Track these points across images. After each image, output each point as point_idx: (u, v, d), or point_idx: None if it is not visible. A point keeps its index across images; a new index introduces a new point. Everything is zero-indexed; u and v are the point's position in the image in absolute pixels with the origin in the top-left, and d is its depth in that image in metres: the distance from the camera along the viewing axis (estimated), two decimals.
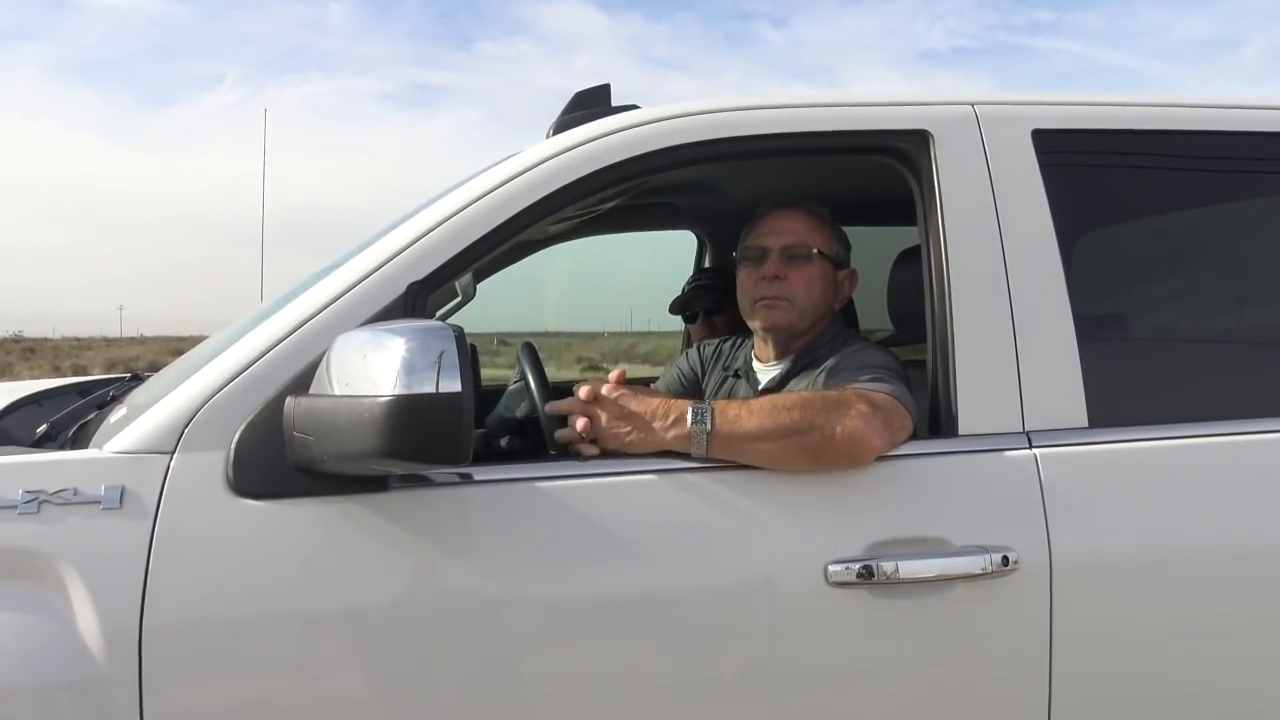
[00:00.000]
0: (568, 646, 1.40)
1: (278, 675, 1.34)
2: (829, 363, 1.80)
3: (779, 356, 1.94)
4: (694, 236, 3.27)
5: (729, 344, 2.20)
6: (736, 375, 2.04)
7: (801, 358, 1.90)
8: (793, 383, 1.87)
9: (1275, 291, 1.82)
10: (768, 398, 1.61)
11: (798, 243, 1.88)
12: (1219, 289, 1.85)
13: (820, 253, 1.89)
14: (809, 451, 1.48)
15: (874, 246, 2.40)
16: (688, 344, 3.35)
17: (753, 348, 2.04)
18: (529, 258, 2.79)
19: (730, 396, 1.99)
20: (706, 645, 1.43)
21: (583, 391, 1.57)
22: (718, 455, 1.49)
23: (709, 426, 1.48)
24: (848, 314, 2.22)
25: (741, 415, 1.49)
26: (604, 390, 1.57)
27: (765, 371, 1.97)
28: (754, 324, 1.94)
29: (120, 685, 1.28)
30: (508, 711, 1.39)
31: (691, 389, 2.15)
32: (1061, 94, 1.75)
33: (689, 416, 1.49)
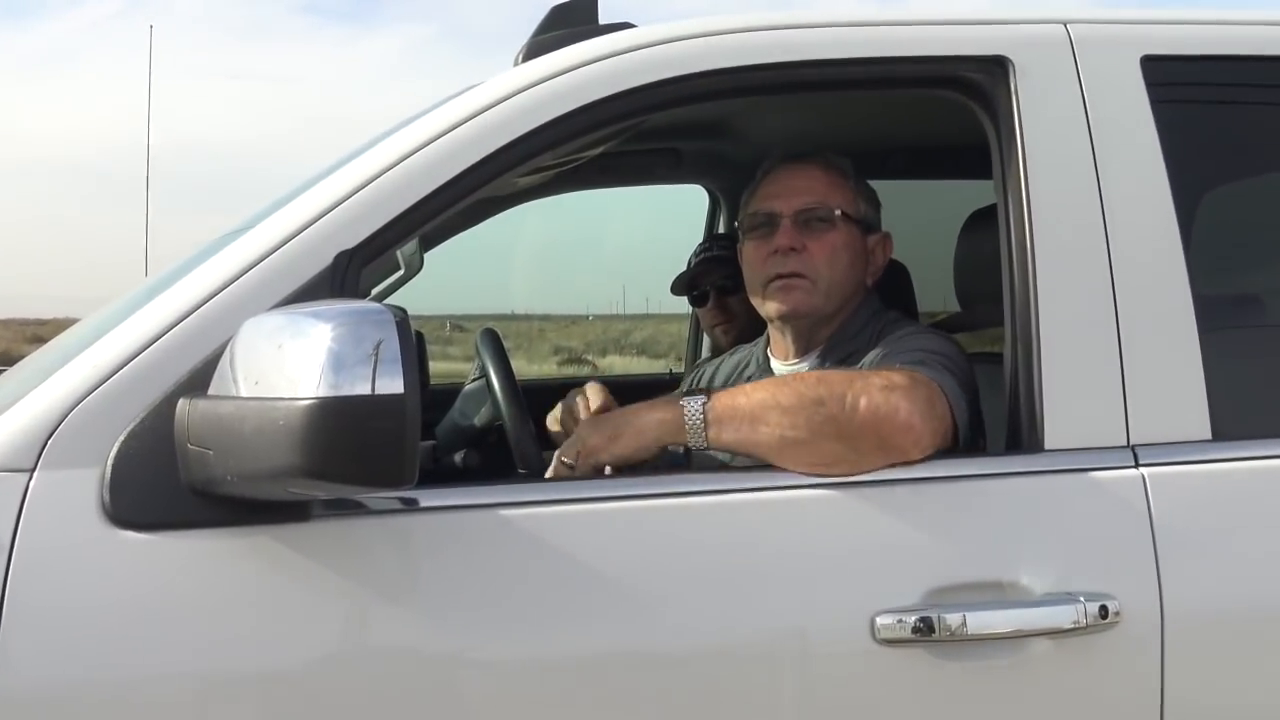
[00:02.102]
0: (534, 719, 1.41)
1: None
2: (870, 355, 1.81)
3: (803, 351, 1.95)
4: (705, 192, 3.28)
5: (733, 358, 2.20)
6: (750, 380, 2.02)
7: (832, 350, 1.91)
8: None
9: None
10: (773, 378, 1.63)
11: (816, 204, 1.89)
12: None
13: (845, 214, 1.90)
14: (828, 427, 1.50)
15: (938, 207, 2.41)
16: (696, 333, 3.36)
17: (768, 344, 2.05)
18: (492, 220, 2.81)
19: None
20: (713, 719, 1.44)
21: (593, 400, 1.67)
22: (718, 441, 1.55)
23: (705, 400, 1.56)
24: (896, 294, 2.23)
25: (745, 390, 1.59)
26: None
27: (785, 370, 1.97)
28: (768, 311, 1.94)
29: None
30: None
31: None
32: (1181, 9, 1.76)
33: (683, 400, 1.58)
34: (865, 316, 1.94)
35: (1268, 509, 1.56)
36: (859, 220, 1.93)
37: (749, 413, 1.54)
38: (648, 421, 1.60)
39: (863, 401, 1.51)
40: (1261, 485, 1.56)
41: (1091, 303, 1.58)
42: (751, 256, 1.93)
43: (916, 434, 1.51)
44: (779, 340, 2.00)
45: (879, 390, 1.53)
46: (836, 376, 1.61)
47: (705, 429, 1.55)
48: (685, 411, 1.56)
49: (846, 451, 1.51)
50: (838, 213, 1.89)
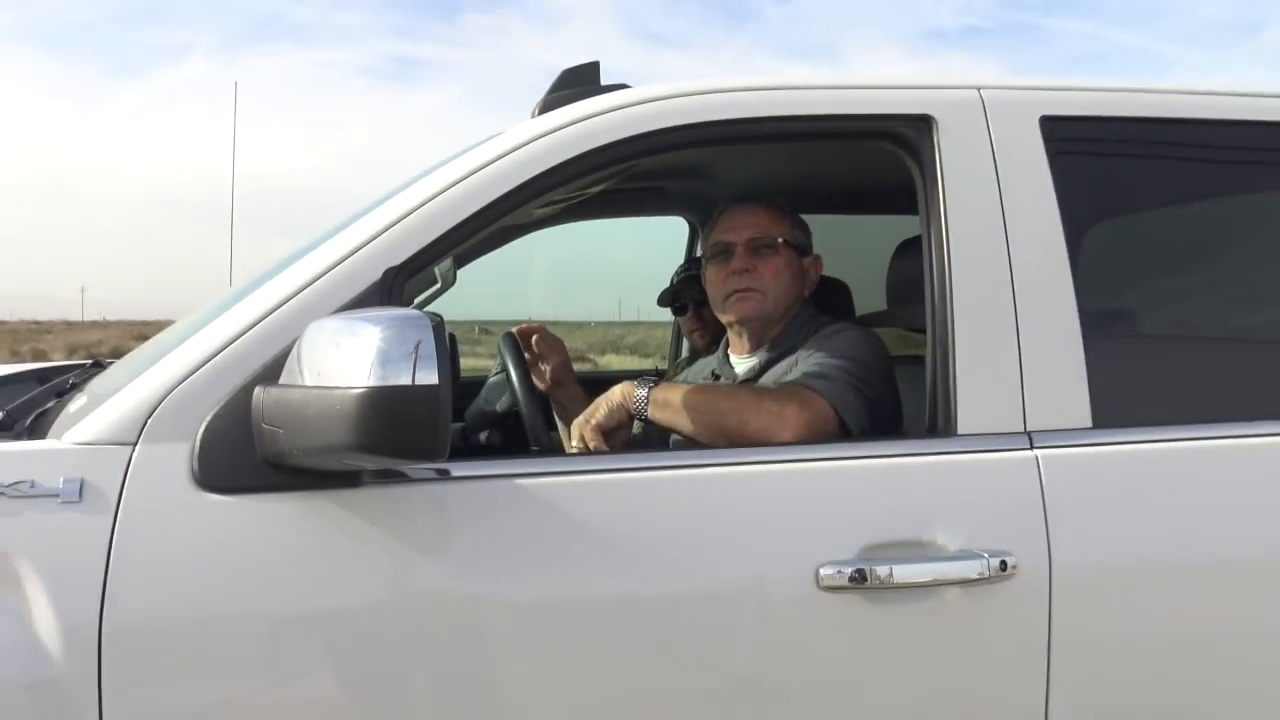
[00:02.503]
0: (548, 650, 1.41)
1: (243, 678, 1.35)
2: (802, 351, 1.89)
3: (754, 348, 2.02)
4: (686, 223, 3.27)
5: (702, 360, 2.27)
6: (715, 375, 2.09)
7: (776, 346, 1.98)
8: (770, 372, 1.93)
9: None
10: (707, 385, 1.79)
11: (762, 234, 1.97)
12: (1230, 285, 1.86)
13: (785, 241, 1.99)
14: (722, 432, 1.70)
15: (875, 236, 2.41)
16: (678, 337, 3.36)
17: (727, 344, 2.11)
18: (512, 243, 2.80)
19: None
20: (693, 650, 1.44)
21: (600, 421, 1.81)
22: (655, 417, 1.78)
23: (653, 386, 1.79)
24: (839, 306, 2.24)
25: (682, 387, 1.80)
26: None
27: (742, 363, 2.03)
28: (728, 319, 2.03)
29: (79, 686, 1.28)
30: (485, 717, 1.40)
31: None
32: (1071, 79, 1.76)
33: (639, 383, 1.81)
34: (803, 320, 2.01)
35: (1136, 483, 1.56)
36: (796, 246, 2.02)
37: (677, 403, 1.76)
38: (614, 394, 1.82)
39: (752, 423, 1.67)
40: (1132, 464, 1.56)
41: (996, 315, 1.58)
42: (713, 277, 2.01)
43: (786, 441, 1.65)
44: (736, 340, 2.06)
45: (769, 415, 1.68)
46: (745, 396, 1.77)
47: (647, 406, 1.78)
48: (637, 392, 1.79)
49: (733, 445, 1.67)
50: (780, 240, 1.98)
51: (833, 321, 2.01)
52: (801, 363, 1.84)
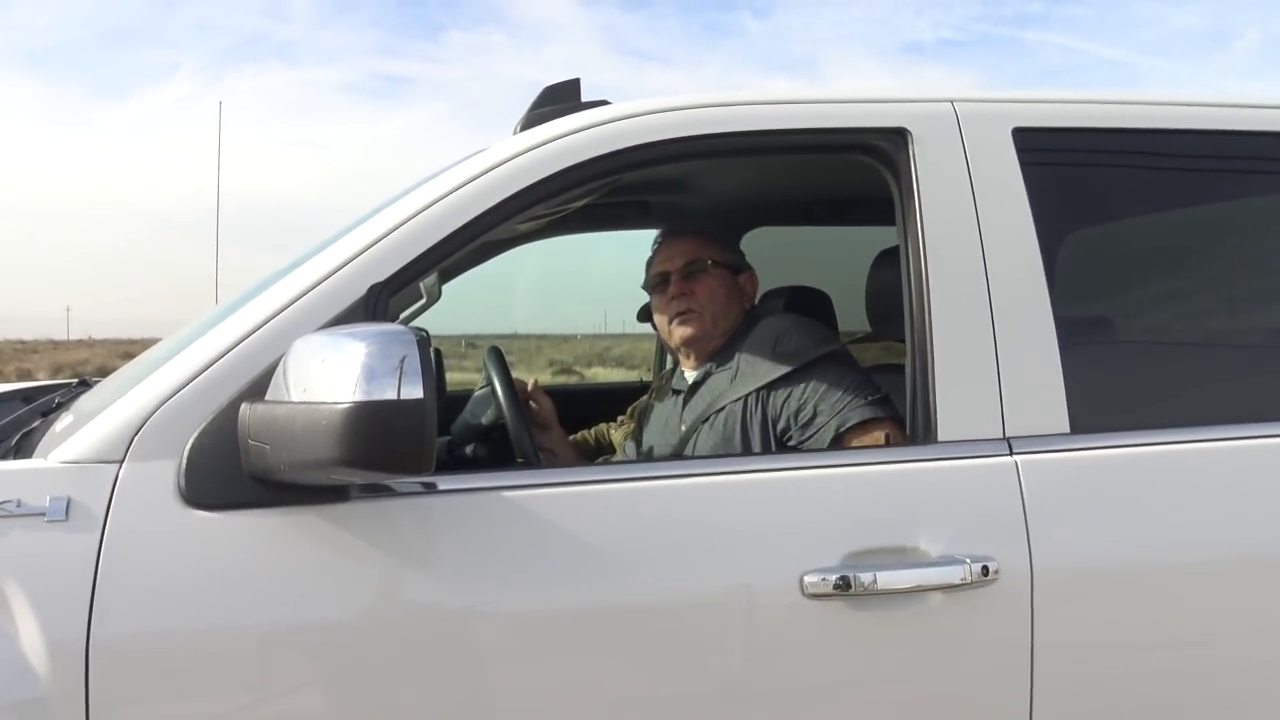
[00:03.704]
0: (536, 661, 1.41)
1: (232, 693, 1.34)
2: (742, 355, 1.99)
3: (700, 363, 2.11)
4: None
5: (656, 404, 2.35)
6: (674, 392, 2.16)
7: (717, 357, 2.08)
8: (710, 380, 2.03)
9: (1260, 294, 1.86)
10: None
11: (693, 259, 2.10)
12: (1203, 292, 1.88)
13: (715, 262, 2.10)
14: None
15: (853, 247, 2.42)
16: (661, 350, 3.36)
17: (677, 362, 2.22)
18: (499, 258, 2.80)
19: (656, 408, 2.20)
20: (680, 658, 1.44)
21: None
22: None
23: None
24: (819, 317, 2.26)
25: None
26: None
27: (690, 375, 2.11)
28: (674, 342, 2.13)
29: (66, 704, 1.28)
30: None
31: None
32: (1043, 91, 1.77)
33: None
34: (741, 331, 2.08)
35: (1115, 487, 1.57)
36: (727, 265, 2.12)
37: None
38: None
39: None
40: (1109, 468, 1.57)
41: (974, 324, 1.59)
42: (658, 305, 2.16)
43: None
44: (685, 361, 2.15)
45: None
46: None
47: None
48: None
49: None
50: (709, 262, 2.10)
51: (761, 331, 2.05)
52: (793, 392, 1.89)
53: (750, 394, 1.91)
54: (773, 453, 1.85)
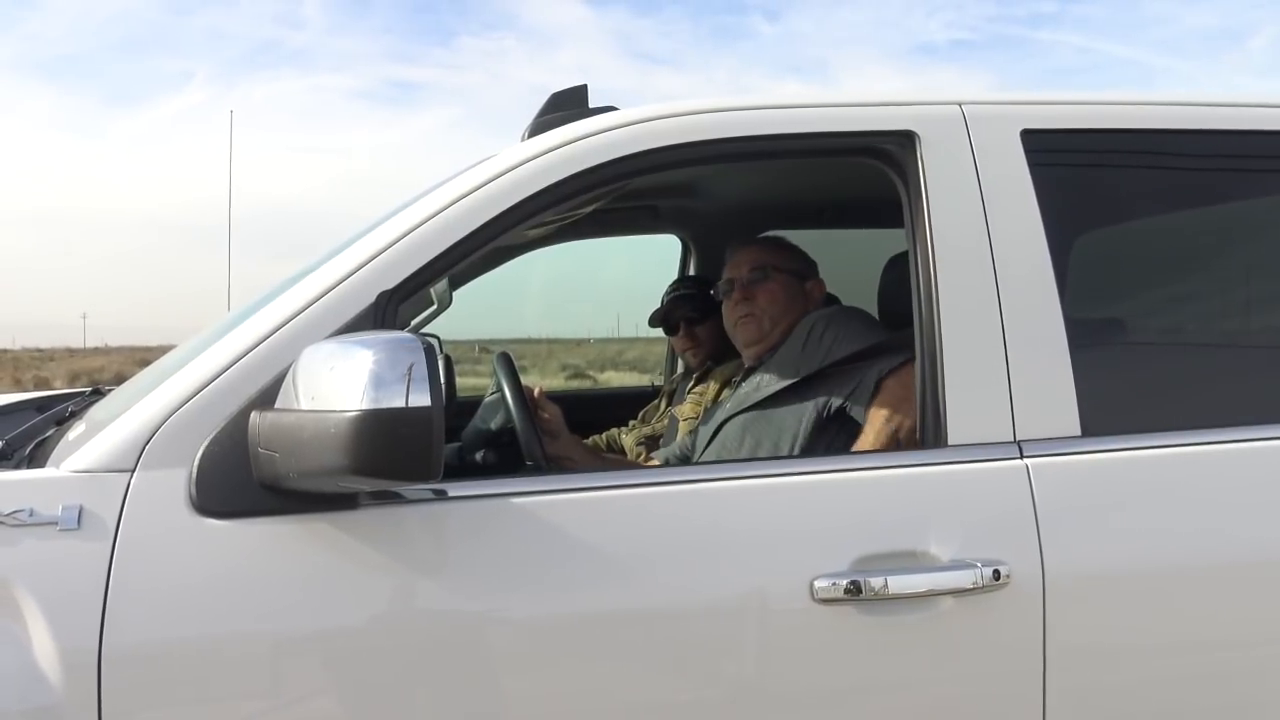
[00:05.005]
0: (548, 667, 1.40)
1: (244, 701, 1.34)
2: (781, 352, 2.10)
3: (759, 361, 2.19)
4: (678, 240, 3.28)
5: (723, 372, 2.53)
6: (736, 383, 2.27)
7: (766, 354, 2.18)
8: (754, 375, 2.11)
9: (1273, 295, 1.84)
10: None
11: (757, 265, 2.23)
12: (1215, 293, 1.87)
13: (777, 268, 2.22)
14: None
15: (866, 251, 2.42)
16: (672, 354, 3.36)
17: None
18: (512, 263, 2.81)
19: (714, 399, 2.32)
20: (691, 663, 1.43)
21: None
22: None
23: None
24: None
25: None
26: None
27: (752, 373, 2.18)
28: (738, 344, 2.28)
29: (79, 712, 1.28)
30: None
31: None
32: (1052, 93, 1.77)
33: None
34: (800, 334, 2.12)
35: (1126, 490, 1.56)
36: (792, 270, 2.24)
37: None
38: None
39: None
40: (1120, 471, 1.56)
41: (984, 327, 1.58)
42: (726, 309, 2.28)
43: None
44: (746, 358, 2.28)
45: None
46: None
47: None
48: None
49: None
50: (772, 267, 2.22)
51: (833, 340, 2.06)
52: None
53: (792, 383, 1.98)
54: (811, 435, 1.90)
